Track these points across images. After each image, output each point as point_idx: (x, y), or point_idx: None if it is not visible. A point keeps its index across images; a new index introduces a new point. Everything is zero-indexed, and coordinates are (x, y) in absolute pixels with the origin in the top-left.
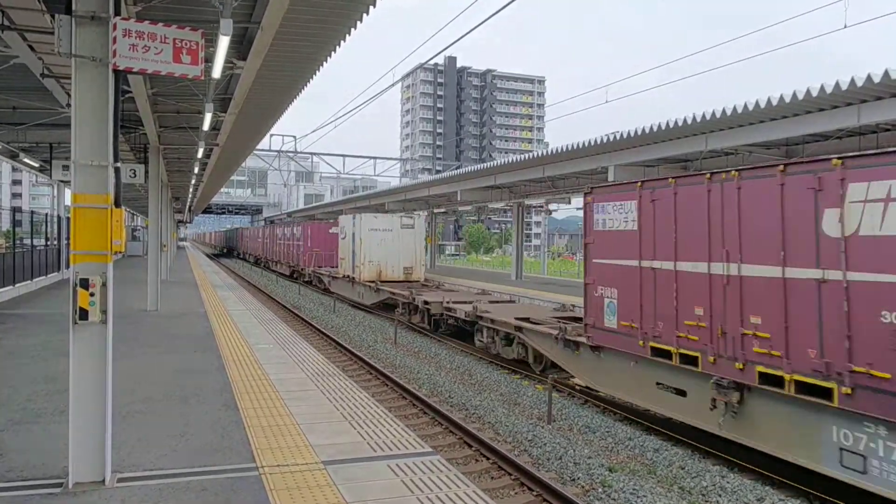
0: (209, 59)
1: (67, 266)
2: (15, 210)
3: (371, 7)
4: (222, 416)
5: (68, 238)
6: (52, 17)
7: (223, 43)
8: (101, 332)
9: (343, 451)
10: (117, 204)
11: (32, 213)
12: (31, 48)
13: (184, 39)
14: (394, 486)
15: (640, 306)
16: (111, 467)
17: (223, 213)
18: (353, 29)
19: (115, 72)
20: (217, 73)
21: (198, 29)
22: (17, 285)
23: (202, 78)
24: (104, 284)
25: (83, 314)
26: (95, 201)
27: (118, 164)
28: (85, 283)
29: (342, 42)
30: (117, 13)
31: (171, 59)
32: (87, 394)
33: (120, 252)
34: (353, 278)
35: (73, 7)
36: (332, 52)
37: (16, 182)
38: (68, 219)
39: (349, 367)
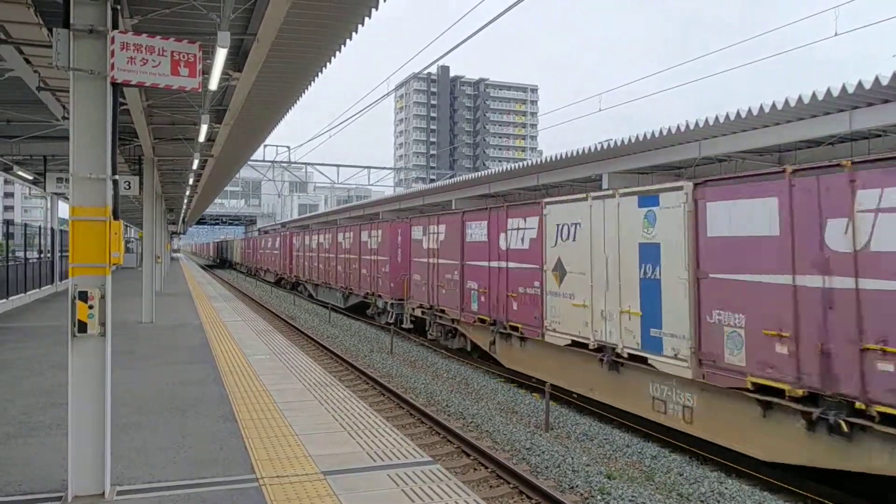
0: (206, 71)
1: (61, 279)
2: (8, 223)
3: (367, 18)
4: (220, 427)
5: (62, 251)
6: (50, 30)
7: (220, 55)
8: (100, 344)
9: (342, 461)
10: (115, 216)
11: (26, 225)
12: (28, 61)
13: (181, 52)
14: (394, 496)
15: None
16: (110, 480)
17: (217, 223)
18: (347, 40)
19: (113, 85)
20: (214, 84)
21: (195, 41)
22: (10, 298)
23: (199, 90)
24: (103, 297)
25: (82, 327)
26: (94, 214)
27: (116, 177)
28: (84, 296)
29: (337, 53)
30: (115, 26)
31: (169, 72)
32: (87, 406)
33: (118, 264)
34: None
35: (71, 21)
36: (328, 63)
37: (8, 195)
38: (62, 231)
39: (346, 377)
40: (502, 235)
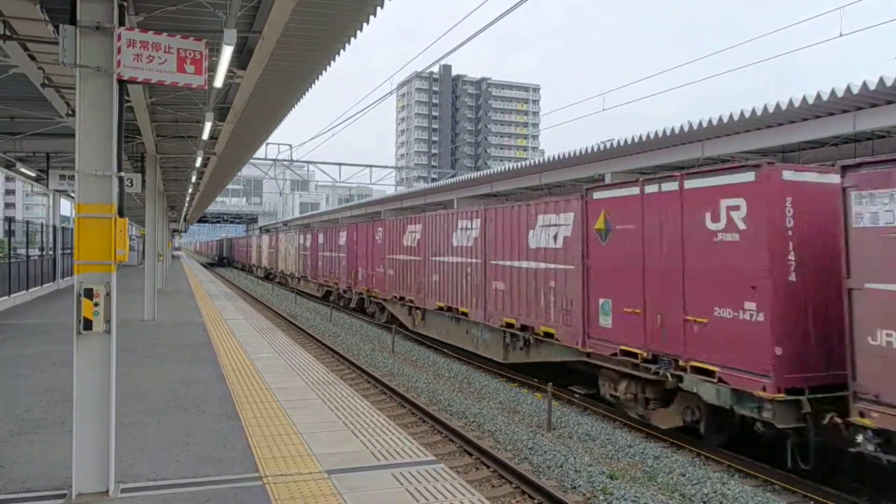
0: (210, 69)
1: (63, 276)
2: (10, 220)
3: (371, 16)
4: (224, 425)
5: (64, 248)
6: (56, 27)
7: (226, 52)
8: (104, 341)
9: (346, 459)
10: (121, 213)
11: (27, 222)
12: (32, 58)
13: (188, 49)
14: (399, 496)
15: None
16: (114, 477)
17: (218, 221)
18: (352, 38)
19: (120, 82)
20: (219, 82)
21: (201, 39)
22: (12, 295)
23: (205, 87)
24: (108, 294)
25: (87, 324)
26: (99, 211)
27: (122, 174)
28: (89, 293)
29: (341, 51)
30: (121, 23)
31: (175, 69)
32: (91, 404)
33: (123, 261)
34: None
35: (78, 17)
36: (332, 61)
37: (9, 192)
38: (64, 228)
39: (348, 376)
40: None
